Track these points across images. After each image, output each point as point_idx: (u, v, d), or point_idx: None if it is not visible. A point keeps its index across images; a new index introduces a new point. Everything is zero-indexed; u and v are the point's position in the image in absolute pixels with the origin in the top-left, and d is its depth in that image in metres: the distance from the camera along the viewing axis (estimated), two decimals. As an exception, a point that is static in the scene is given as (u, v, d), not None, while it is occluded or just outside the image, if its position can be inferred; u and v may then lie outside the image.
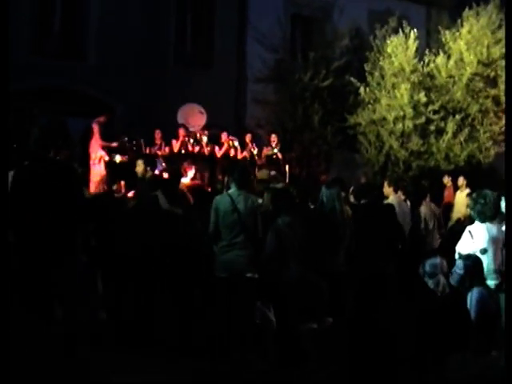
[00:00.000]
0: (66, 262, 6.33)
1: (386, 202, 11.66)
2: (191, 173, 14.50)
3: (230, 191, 8.86)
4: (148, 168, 14.71)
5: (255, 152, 18.24)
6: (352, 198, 11.26)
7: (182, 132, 17.69)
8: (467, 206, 11.33)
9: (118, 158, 16.09)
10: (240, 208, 8.52)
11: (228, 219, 8.51)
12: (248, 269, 8.42)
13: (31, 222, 6.24)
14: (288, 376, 7.74)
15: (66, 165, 6.80)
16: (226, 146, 18.00)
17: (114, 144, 16.37)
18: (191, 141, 17.62)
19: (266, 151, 18.40)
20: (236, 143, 18.18)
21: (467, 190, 15.22)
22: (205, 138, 17.90)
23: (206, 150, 17.71)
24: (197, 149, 17.61)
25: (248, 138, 18.72)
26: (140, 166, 14.25)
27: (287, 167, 18.23)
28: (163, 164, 16.61)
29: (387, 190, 12.26)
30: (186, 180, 13.93)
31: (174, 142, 17.62)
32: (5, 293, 5.80)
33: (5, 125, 6.23)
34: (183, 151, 17.43)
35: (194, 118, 19.09)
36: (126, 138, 16.78)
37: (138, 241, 8.82)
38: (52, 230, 6.19)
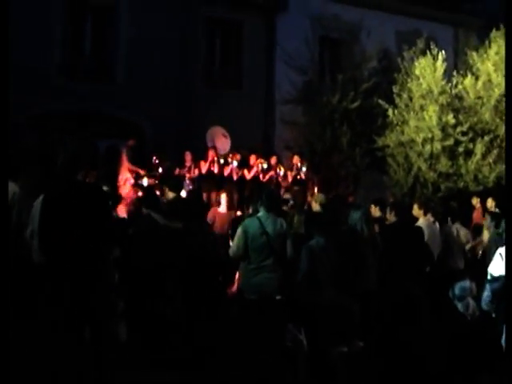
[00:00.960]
0: (97, 286, 6.41)
1: (416, 224, 11.66)
2: (224, 200, 14.50)
3: (259, 214, 8.90)
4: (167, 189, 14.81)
5: (281, 173, 18.29)
6: (390, 216, 11.14)
7: (211, 153, 17.76)
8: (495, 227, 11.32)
9: (145, 181, 16.19)
10: (269, 231, 8.58)
11: (257, 242, 8.57)
12: (277, 291, 8.46)
13: (62, 244, 6.33)
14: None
15: (95, 187, 6.91)
16: (255, 168, 18.06)
17: (142, 171, 16.49)
18: (221, 161, 17.67)
19: (290, 173, 18.47)
20: (265, 165, 18.23)
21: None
22: (235, 163, 17.97)
23: (235, 174, 17.78)
24: (226, 172, 17.68)
25: (273, 160, 18.78)
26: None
27: (316, 189, 18.29)
28: (190, 186, 16.70)
29: (417, 211, 12.26)
30: (222, 210, 13.91)
31: (202, 162, 17.70)
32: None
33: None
34: (211, 172, 17.53)
35: (219, 141, 19.19)
36: (157, 161, 16.88)
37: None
38: (83, 252, 6.27)
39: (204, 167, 17.65)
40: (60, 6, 19.51)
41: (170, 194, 10.50)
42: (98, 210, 6.44)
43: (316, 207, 11.68)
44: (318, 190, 18.00)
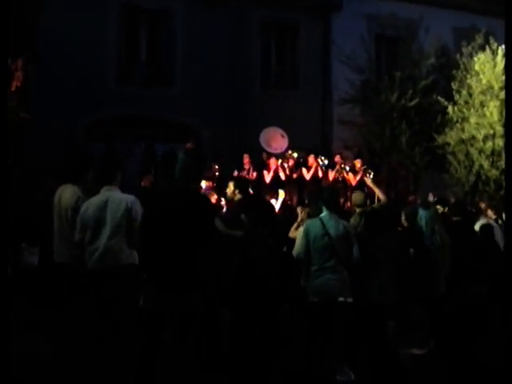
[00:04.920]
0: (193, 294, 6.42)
1: (477, 222, 11.45)
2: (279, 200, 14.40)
3: (321, 215, 8.81)
4: (237, 191, 14.72)
5: (346, 171, 18.09)
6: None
7: (273, 161, 17.64)
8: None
9: (203, 184, 16.16)
10: (331, 232, 8.49)
11: (319, 243, 8.48)
12: (340, 293, 8.35)
13: (165, 247, 6.38)
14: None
15: (202, 197, 6.99)
16: (314, 168, 17.91)
17: None
18: (285, 166, 17.56)
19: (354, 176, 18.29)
20: (326, 161, 18.07)
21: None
22: (291, 162, 17.89)
23: (295, 174, 17.68)
24: (286, 174, 17.58)
25: (337, 158, 18.59)
26: (229, 188, 14.26)
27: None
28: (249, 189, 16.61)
29: (486, 209, 12.03)
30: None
31: (265, 172, 17.60)
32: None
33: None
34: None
35: (276, 141, 19.10)
36: (217, 167, 16.86)
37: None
38: (183, 256, 6.31)
39: (268, 177, 17.53)
40: (115, 12, 19.72)
41: (238, 196, 10.35)
42: (202, 219, 6.45)
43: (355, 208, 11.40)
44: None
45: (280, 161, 17.62)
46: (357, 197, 11.17)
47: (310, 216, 9.67)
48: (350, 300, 8.38)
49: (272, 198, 16.29)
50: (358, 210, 10.56)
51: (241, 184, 10.44)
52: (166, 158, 17.98)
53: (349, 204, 16.78)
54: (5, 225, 6.06)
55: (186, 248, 6.30)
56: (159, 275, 6.39)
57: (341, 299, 8.31)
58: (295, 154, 18.08)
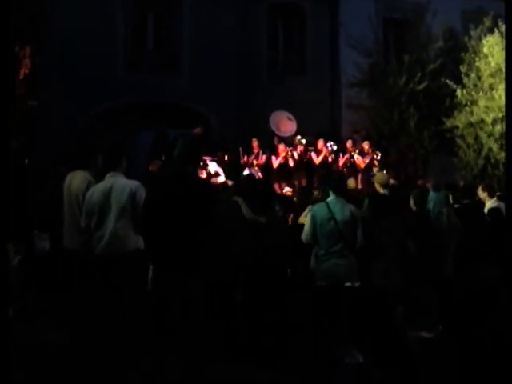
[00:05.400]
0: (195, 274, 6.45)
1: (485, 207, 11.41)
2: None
3: (328, 199, 8.84)
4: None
5: (356, 157, 18.12)
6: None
7: (281, 148, 17.66)
8: None
9: (213, 168, 16.18)
10: (337, 217, 8.51)
11: (325, 228, 8.54)
12: (346, 278, 8.39)
13: (165, 230, 6.40)
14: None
15: (202, 179, 7.02)
16: (323, 153, 17.92)
17: (207, 158, 16.48)
18: (294, 155, 17.57)
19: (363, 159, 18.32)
20: (335, 147, 18.11)
21: None
22: (303, 141, 17.92)
23: (305, 158, 17.71)
24: (295, 159, 17.60)
25: (349, 143, 18.61)
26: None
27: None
28: (259, 174, 16.63)
29: (482, 194, 11.90)
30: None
31: (273, 158, 17.65)
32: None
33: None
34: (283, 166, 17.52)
35: (285, 124, 19.11)
36: (222, 154, 16.88)
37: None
38: (186, 239, 6.35)
39: (275, 162, 17.58)
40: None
41: (229, 182, 10.37)
42: (203, 202, 6.49)
43: (379, 188, 11.46)
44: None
45: (289, 150, 17.62)
46: (381, 177, 11.22)
47: (317, 201, 9.66)
48: (356, 284, 8.42)
49: (280, 183, 16.40)
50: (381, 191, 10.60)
51: (231, 170, 10.53)
52: (170, 144, 18.03)
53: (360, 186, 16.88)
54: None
55: (181, 231, 6.33)
56: (158, 257, 6.45)
57: (347, 284, 8.36)
58: (303, 141, 18.08)
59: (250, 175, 13.83)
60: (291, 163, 17.46)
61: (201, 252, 6.41)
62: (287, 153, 17.42)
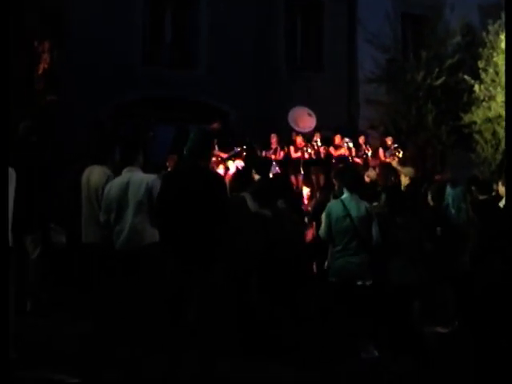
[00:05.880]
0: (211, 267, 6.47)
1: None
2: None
3: (342, 197, 8.81)
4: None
5: (369, 154, 18.17)
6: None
7: (299, 140, 17.76)
8: None
9: (231, 164, 16.19)
10: (352, 214, 8.50)
11: (340, 225, 8.51)
12: (358, 276, 8.37)
13: (177, 224, 6.44)
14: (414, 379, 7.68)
15: (214, 173, 7.03)
16: (341, 148, 17.97)
17: (224, 155, 16.50)
18: (309, 150, 17.63)
19: (382, 154, 18.34)
20: (351, 144, 18.15)
21: None
22: (318, 141, 17.95)
23: (322, 153, 17.76)
24: (312, 153, 17.66)
25: (361, 139, 18.68)
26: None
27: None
28: (277, 168, 16.64)
29: (501, 189, 11.85)
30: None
31: (291, 148, 17.73)
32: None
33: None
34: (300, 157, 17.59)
35: (304, 120, 19.13)
36: (239, 149, 16.86)
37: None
38: (198, 233, 6.38)
39: (293, 154, 17.70)
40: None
41: (256, 177, 10.32)
42: (215, 195, 6.51)
43: (405, 181, 11.49)
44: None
45: (306, 145, 17.70)
46: (408, 170, 11.25)
47: (335, 197, 9.65)
48: (368, 283, 8.39)
49: (297, 176, 16.45)
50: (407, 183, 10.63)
51: (261, 165, 10.52)
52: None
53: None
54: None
55: (197, 226, 6.36)
56: (175, 251, 6.46)
57: (359, 282, 8.34)
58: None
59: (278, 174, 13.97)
60: (306, 155, 17.50)
61: (218, 247, 6.44)
62: (304, 146, 17.50)
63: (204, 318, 6.38)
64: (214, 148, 6.79)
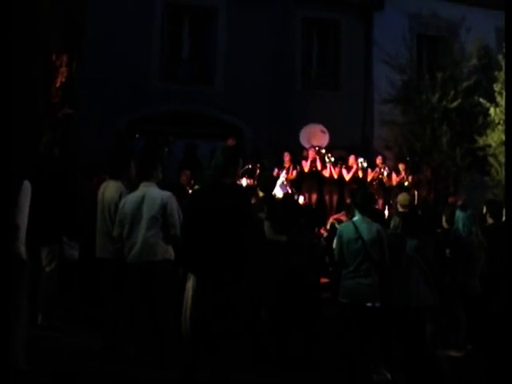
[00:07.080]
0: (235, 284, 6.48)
1: None
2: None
3: (354, 219, 8.80)
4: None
5: (385, 174, 18.16)
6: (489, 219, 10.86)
7: (311, 153, 17.81)
8: None
9: (244, 181, 16.21)
10: (364, 236, 8.47)
11: (352, 247, 8.46)
12: (368, 298, 8.33)
13: (204, 243, 6.42)
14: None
15: (240, 190, 7.05)
16: (354, 168, 17.97)
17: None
18: (319, 163, 17.66)
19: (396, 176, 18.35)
20: (365, 164, 18.14)
21: None
22: (332, 159, 17.96)
23: (335, 173, 17.77)
24: (325, 171, 17.68)
25: (379, 159, 18.65)
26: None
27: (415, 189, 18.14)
28: (287, 188, 16.64)
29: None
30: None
31: (303, 162, 17.77)
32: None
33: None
34: (313, 171, 17.62)
35: (317, 137, 19.13)
36: (250, 166, 16.84)
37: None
38: (226, 251, 6.37)
39: (306, 166, 17.72)
40: (159, 10, 19.86)
41: (260, 194, 10.34)
42: (242, 212, 6.50)
43: (400, 209, 11.36)
44: (417, 191, 17.85)
45: (318, 157, 17.77)
46: (403, 197, 11.20)
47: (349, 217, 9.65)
48: (377, 305, 8.35)
49: (311, 192, 16.45)
50: (400, 210, 10.56)
51: (265, 182, 10.54)
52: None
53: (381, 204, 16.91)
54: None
55: (224, 243, 6.34)
56: (200, 268, 6.44)
57: (368, 304, 8.31)
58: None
59: (287, 195, 13.94)
60: (318, 167, 17.59)
61: (244, 265, 6.44)
62: (315, 157, 17.60)
63: (227, 333, 6.37)
64: (240, 165, 6.69)
